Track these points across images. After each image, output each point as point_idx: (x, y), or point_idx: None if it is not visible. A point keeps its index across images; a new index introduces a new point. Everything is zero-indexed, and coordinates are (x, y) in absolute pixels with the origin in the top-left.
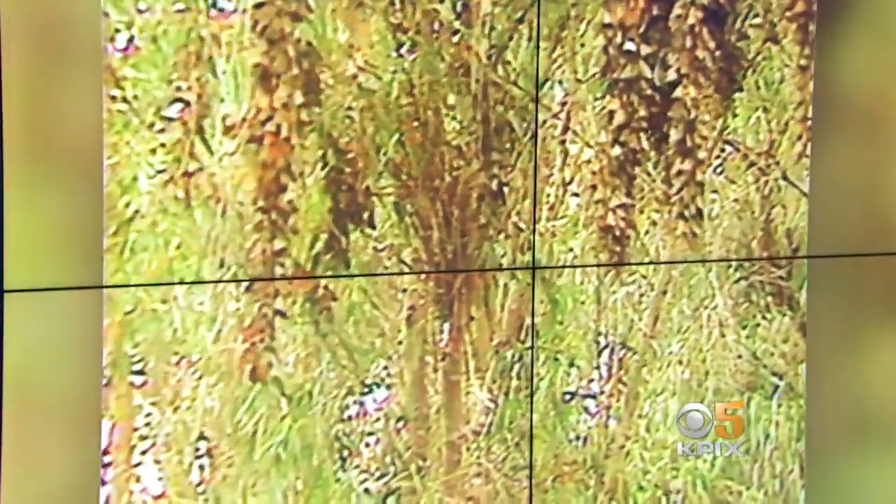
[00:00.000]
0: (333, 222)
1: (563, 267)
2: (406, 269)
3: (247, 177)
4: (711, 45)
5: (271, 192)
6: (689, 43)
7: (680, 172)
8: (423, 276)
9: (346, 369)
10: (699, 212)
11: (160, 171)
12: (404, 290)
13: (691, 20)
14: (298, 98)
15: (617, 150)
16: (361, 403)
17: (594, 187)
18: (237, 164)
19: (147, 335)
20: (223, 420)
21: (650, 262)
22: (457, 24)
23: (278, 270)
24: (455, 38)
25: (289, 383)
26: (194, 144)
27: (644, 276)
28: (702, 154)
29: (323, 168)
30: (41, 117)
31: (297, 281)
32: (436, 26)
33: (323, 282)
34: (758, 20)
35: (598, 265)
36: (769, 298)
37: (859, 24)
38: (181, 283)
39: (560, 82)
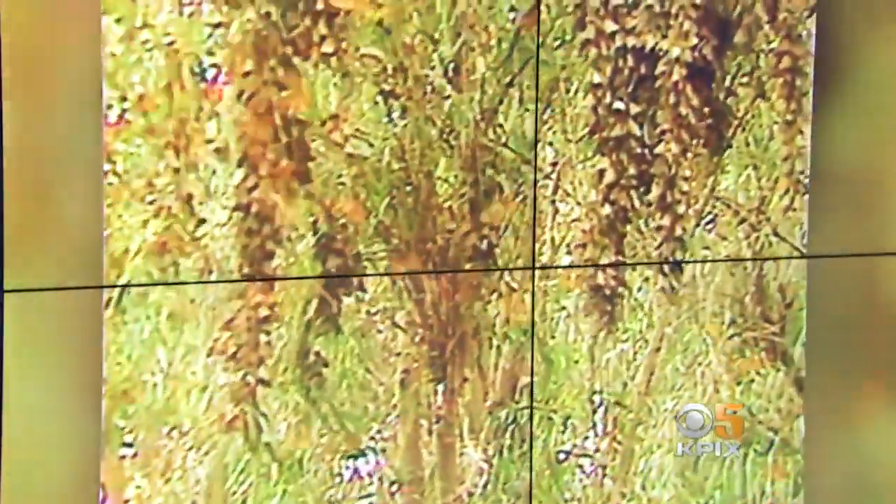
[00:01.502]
0: (324, 287)
1: (564, 267)
2: (400, 330)
3: (236, 244)
4: (697, 102)
5: (259, 258)
6: (673, 100)
7: (669, 229)
8: (416, 339)
9: (338, 435)
10: (692, 268)
11: (151, 241)
12: (398, 354)
13: (675, 77)
14: (289, 166)
15: (607, 209)
16: (355, 468)
17: (584, 246)
18: (226, 233)
19: (138, 407)
20: (214, 489)
21: (655, 263)
22: (448, 89)
23: (263, 338)
24: (447, 103)
25: (280, 450)
26: (184, 214)
27: (639, 333)
28: (692, 211)
29: (314, 234)
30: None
31: (287, 350)
32: (427, 91)
33: (315, 347)
34: (746, 78)
35: (600, 265)
36: (763, 354)
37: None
38: (181, 283)
39: (551, 143)
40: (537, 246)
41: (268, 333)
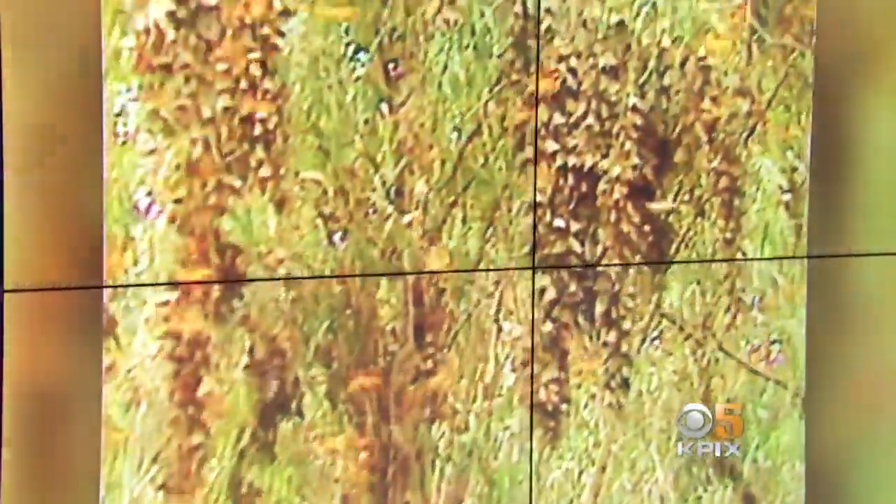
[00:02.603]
0: (260, 414)
1: (563, 267)
2: (339, 455)
3: (166, 372)
4: (637, 219)
5: (190, 386)
6: (614, 217)
7: (613, 345)
8: (356, 464)
9: None
10: (632, 385)
11: None
12: (336, 480)
13: (616, 195)
14: (222, 292)
15: (549, 326)
16: None
17: (525, 364)
18: (158, 363)
19: None
20: None
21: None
22: (390, 210)
23: (194, 466)
24: (388, 224)
25: None
26: (113, 342)
27: (585, 451)
28: (637, 327)
29: (249, 361)
30: None
31: (219, 480)
32: (369, 213)
33: (248, 477)
34: (687, 196)
35: (606, 264)
36: (710, 470)
37: None
38: (182, 283)
39: (493, 261)
40: (481, 364)
41: (200, 463)
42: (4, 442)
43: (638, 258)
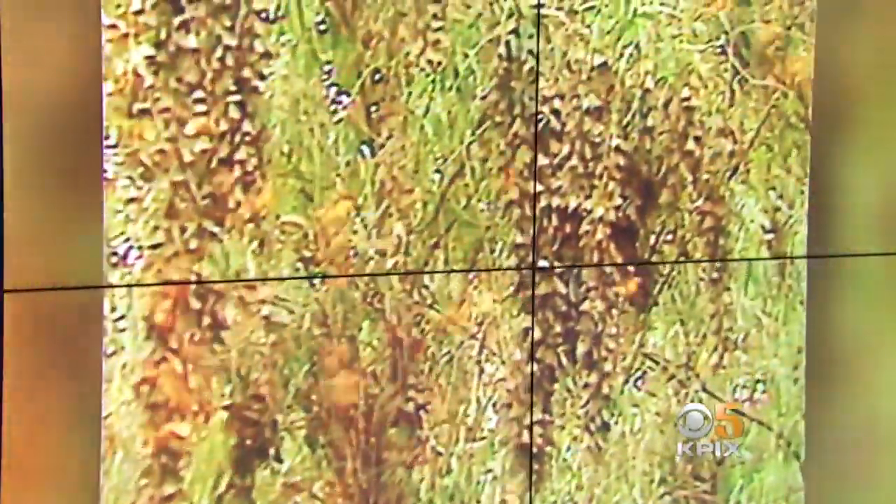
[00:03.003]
0: (237, 460)
1: (566, 267)
2: (319, 501)
3: (143, 418)
4: (621, 260)
5: (166, 433)
6: (597, 258)
7: (596, 387)
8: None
9: None
10: (615, 426)
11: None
12: None
13: (599, 236)
14: (201, 337)
15: (533, 367)
16: None
17: (510, 405)
18: (133, 410)
19: None
20: None
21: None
22: (371, 252)
23: None
24: (370, 267)
25: None
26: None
27: (568, 494)
28: (620, 368)
29: (227, 406)
30: None
31: None
32: (350, 255)
33: None
34: (670, 236)
35: (608, 264)
36: None
37: None
38: (182, 283)
39: (476, 304)
40: (462, 407)
41: None
42: (4, 443)
43: (620, 299)
